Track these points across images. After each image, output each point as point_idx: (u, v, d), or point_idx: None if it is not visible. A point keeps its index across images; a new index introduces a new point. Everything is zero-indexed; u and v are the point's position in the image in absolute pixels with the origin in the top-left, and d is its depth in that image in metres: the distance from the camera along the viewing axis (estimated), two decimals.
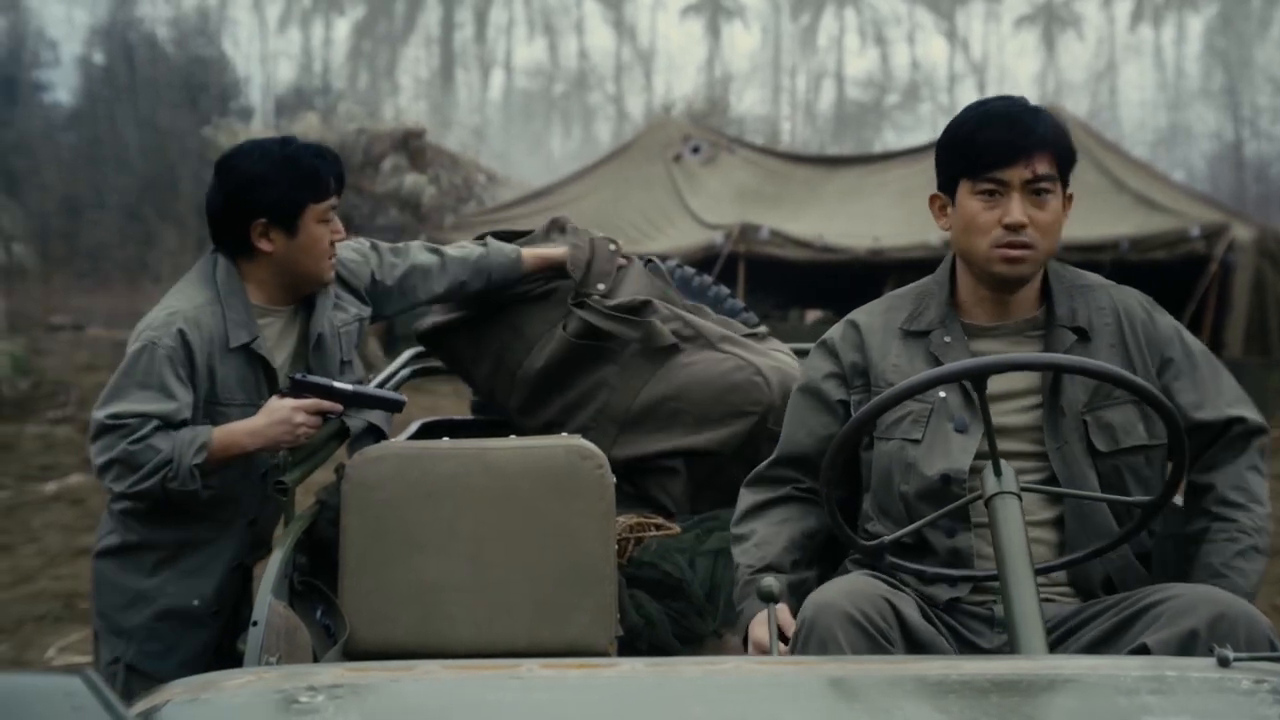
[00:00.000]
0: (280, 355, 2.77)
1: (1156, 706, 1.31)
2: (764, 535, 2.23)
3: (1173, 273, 12.48)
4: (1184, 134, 35.28)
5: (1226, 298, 12.56)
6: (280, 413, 2.59)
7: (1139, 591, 1.99)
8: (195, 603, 2.67)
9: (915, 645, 1.92)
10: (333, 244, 2.75)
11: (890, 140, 37.42)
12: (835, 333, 2.32)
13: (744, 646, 2.16)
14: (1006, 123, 2.13)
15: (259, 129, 21.13)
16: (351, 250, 2.95)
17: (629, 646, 2.55)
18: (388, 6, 41.01)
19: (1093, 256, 12.48)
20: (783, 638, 1.97)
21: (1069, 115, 16.02)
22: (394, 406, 2.79)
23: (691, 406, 2.86)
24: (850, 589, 1.93)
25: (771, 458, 2.33)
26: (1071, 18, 40.71)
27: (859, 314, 2.32)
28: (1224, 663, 1.36)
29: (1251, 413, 2.20)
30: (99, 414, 2.58)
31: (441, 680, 1.35)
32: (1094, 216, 12.54)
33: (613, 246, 3.14)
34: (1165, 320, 2.24)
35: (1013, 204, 2.11)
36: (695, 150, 16.27)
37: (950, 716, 1.28)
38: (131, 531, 2.70)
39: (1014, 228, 2.11)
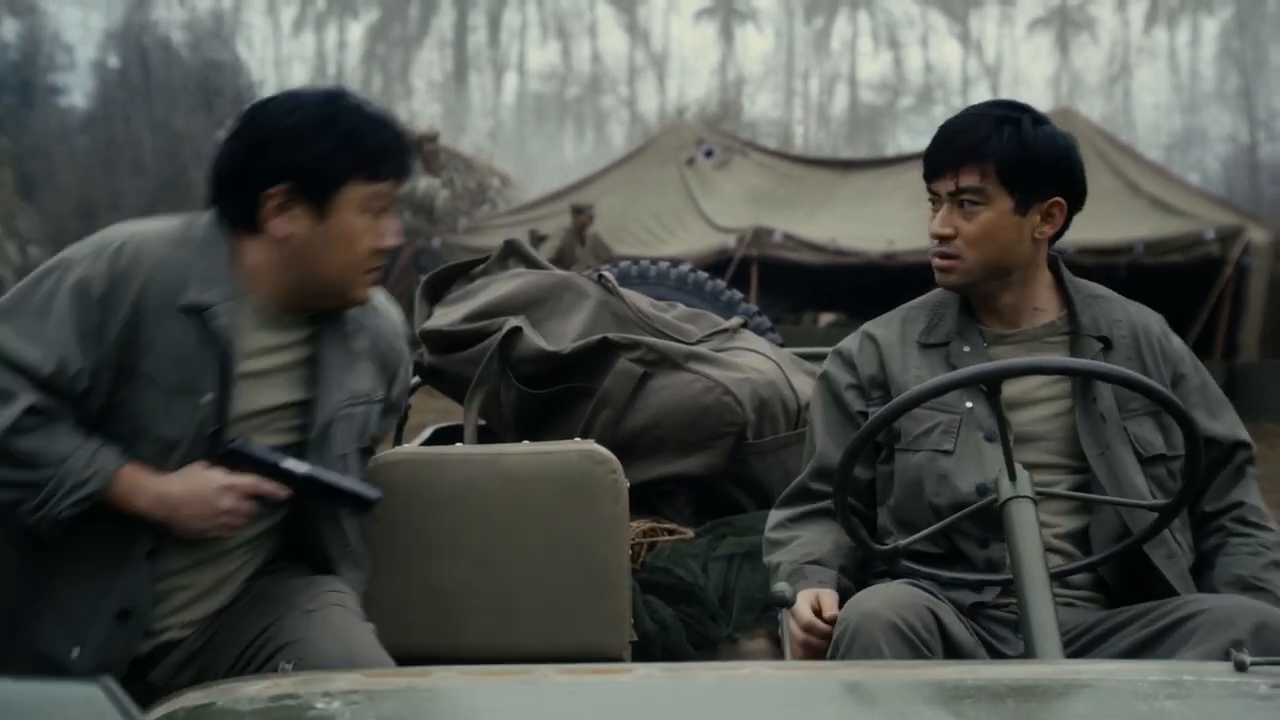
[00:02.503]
0: (257, 365, 2.01)
1: (1174, 711, 1.31)
2: (808, 539, 2.22)
3: (1188, 276, 12.45)
4: (1199, 137, 35.14)
5: (1242, 300, 12.53)
6: (204, 490, 1.93)
7: (1168, 603, 1.97)
8: (72, 654, 1.95)
9: (955, 653, 1.91)
10: (379, 253, 2.03)
11: (904, 143, 37.33)
12: (852, 344, 2.32)
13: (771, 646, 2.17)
14: (946, 134, 2.18)
15: None
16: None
17: (643, 652, 2.55)
18: (401, 10, 41.09)
19: (1108, 260, 12.46)
20: (826, 622, 1.98)
21: (1083, 118, 16.02)
22: (361, 506, 2.08)
23: (670, 434, 2.81)
24: (892, 597, 1.92)
25: (805, 472, 2.32)
26: (1085, 20, 40.59)
27: (875, 327, 2.32)
28: (1241, 667, 1.36)
29: (1250, 440, 2.25)
30: None
31: (457, 687, 1.35)
32: (1109, 220, 12.52)
33: (591, 272, 3.12)
34: (1178, 340, 2.29)
35: (939, 215, 2.18)
36: (708, 153, 16.28)
37: None
38: None
39: (936, 237, 2.18)
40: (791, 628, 2.06)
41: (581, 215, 13.04)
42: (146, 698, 1.98)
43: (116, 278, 1.92)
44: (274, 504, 2.01)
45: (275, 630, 1.99)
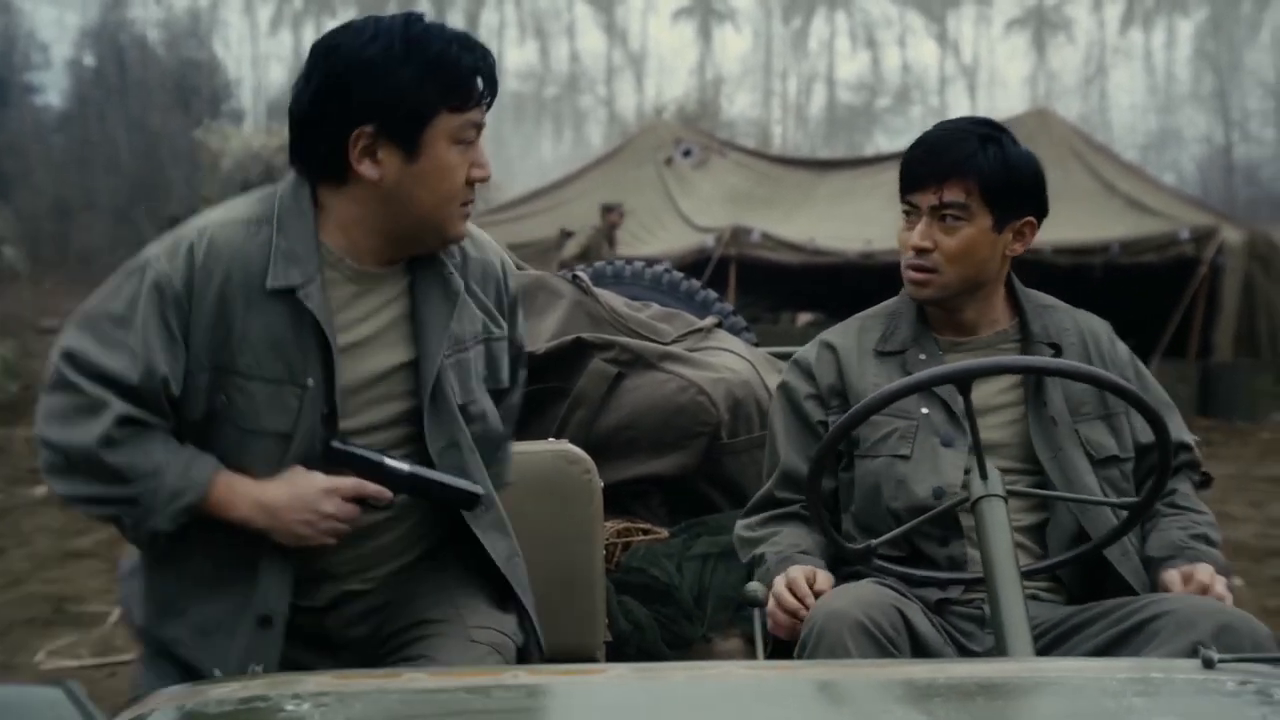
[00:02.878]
0: (357, 334, 1.90)
1: (1143, 708, 1.32)
2: (788, 535, 2.24)
3: (1163, 275, 12.51)
4: (1174, 137, 35.36)
5: (1216, 300, 12.58)
6: (306, 494, 1.83)
7: (1133, 603, 2.00)
8: (215, 673, 1.80)
9: (923, 653, 1.93)
10: (471, 184, 1.89)
11: (881, 143, 37.44)
12: (811, 353, 2.35)
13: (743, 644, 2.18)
14: (925, 148, 2.21)
15: (250, 131, 21.11)
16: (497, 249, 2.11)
17: (618, 652, 2.55)
18: (378, 9, 40.99)
19: (1084, 259, 12.52)
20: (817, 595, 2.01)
21: (1059, 119, 16.09)
22: (467, 502, 1.97)
23: (644, 434, 2.81)
24: (860, 597, 1.93)
25: (770, 482, 2.35)
26: (1062, 21, 40.77)
27: (833, 335, 2.37)
28: (1209, 664, 1.37)
29: (1191, 442, 2.31)
30: (55, 351, 1.84)
31: (428, 687, 1.35)
32: (1085, 219, 12.58)
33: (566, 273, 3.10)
34: (1124, 347, 2.34)
35: (918, 228, 2.20)
36: (687, 153, 16.28)
37: None
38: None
39: (916, 250, 2.20)
40: (779, 590, 2.07)
41: (612, 214, 12.89)
42: (321, 644, 1.98)
43: (196, 274, 1.82)
44: (379, 505, 1.90)
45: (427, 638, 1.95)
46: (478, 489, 1.96)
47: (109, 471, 1.80)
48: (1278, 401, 12.77)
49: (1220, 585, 2.01)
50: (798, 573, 2.06)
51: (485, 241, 2.09)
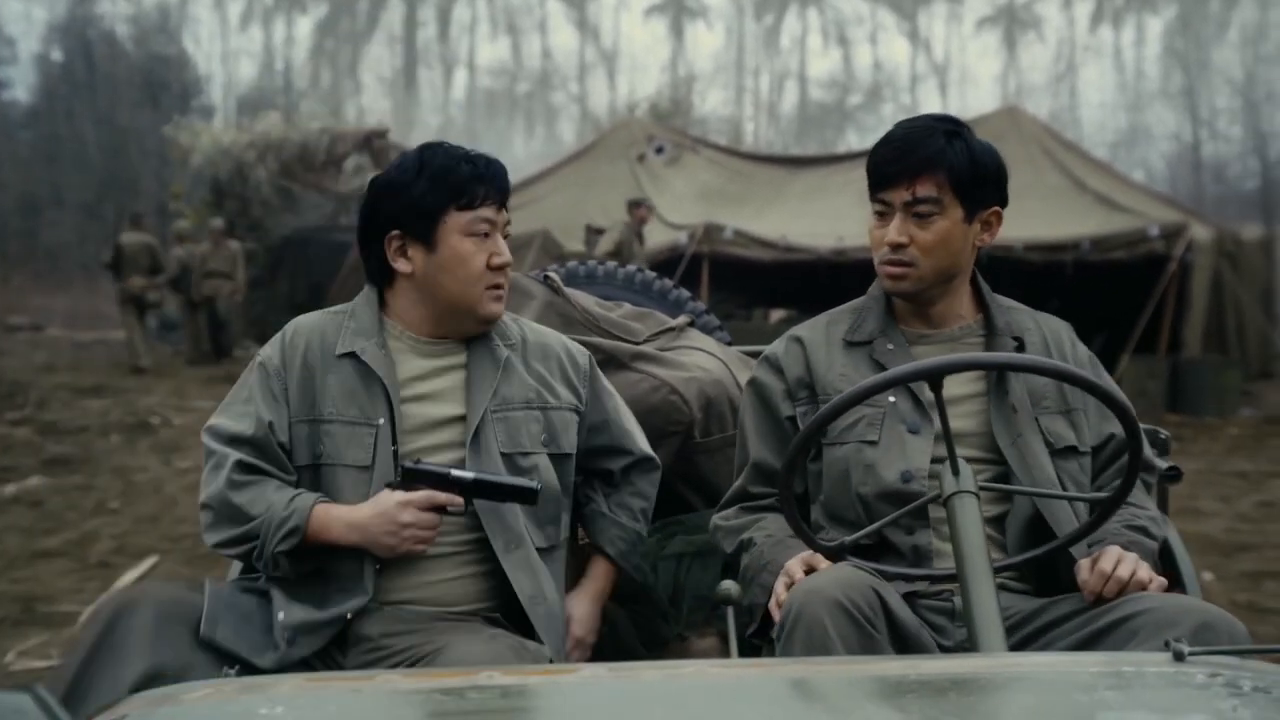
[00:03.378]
0: (418, 389, 2.29)
1: (1114, 701, 1.32)
2: (774, 521, 2.27)
3: (1133, 272, 12.60)
4: (1143, 135, 35.61)
5: (1185, 297, 12.68)
6: (386, 508, 2.15)
7: (1114, 600, 2.00)
8: (287, 640, 2.15)
9: (899, 635, 1.94)
10: (495, 269, 2.28)
11: (853, 141, 37.58)
12: (779, 348, 2.40)
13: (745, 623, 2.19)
14: (895, 145, 2.23)
15: (221, 128, 20.99)
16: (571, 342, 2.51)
17: (594, 652, 2.55)
18: (350, 5, 40.80)
19: (1055, 256, 12.60)
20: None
21: (1030, 116, 16.19)
22: (527, 497, 2.21)
23: None
24: (839, 578, 1.94)
25: (742, 477, 2.38)
26: (1032, 19, 41.01)
27: (801, 329, 2.41)
28: (1179, 657, 1.37)
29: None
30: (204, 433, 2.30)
31: (401, 689, 1.34)
32: (1056, 217, 12.67)
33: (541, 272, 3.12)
34: (1084, 349, 2.38)
35: (893, 224, 2.23)
36: (659, 150, 16.30)
37: (909, 716, 1.28)
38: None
39: (892, 246, 2.23)
40: (790, 566, 2.09)
41: (640, 209, 12.78)
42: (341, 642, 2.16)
43: (286, 348, 2.30)
44: (455, 512, 2.19)
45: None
46: (534, 484, 2.22)
47: (235, 511, 2.19)
48: (1246, 397, 12.89)
49: (1144, 571, 2.01)
50: (797, 564, 2.09)
51: (547, 331, 2.51)
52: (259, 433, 2.22)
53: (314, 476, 2.25)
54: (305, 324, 2.35)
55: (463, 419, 2.28)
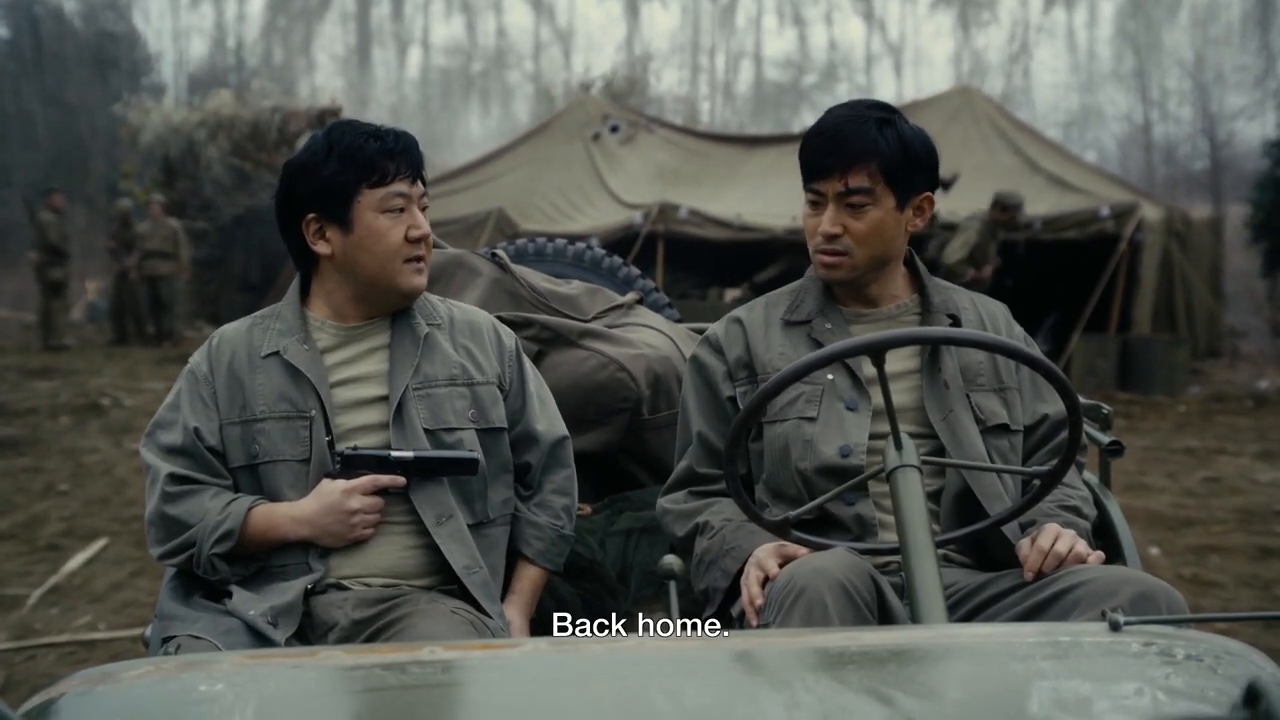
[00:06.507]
0: (345, 374, 2.30)
1: (1050, 671, 1.35)
2: (728, 505, 2.29)
3: (1084, 252, 12.71)
4: (1095, 116, 35.87)
5: (1135, 276, 12.81)
6: (332, 499, 2.19)
7: (1055, 572, 2.04)
8: (269, 621, 2.11)
9: (889, 621, 1.96)
10: (413, 241, 2.28)
11: (808, 120, 37.52)
12: (719, 329, 2.43)
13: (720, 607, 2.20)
14: (826, 136, 2.24)
15: (171, 106, 20.73)
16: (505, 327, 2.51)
17: (541, 628, 2.56)
18: None
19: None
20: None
21: (983, 96, 16.26)
22: (467, 468, 2.27)
23: (565, 411, 2.78)
24: (841, 561, 1.96)
25: (688, 458, 2.40)
26: (987, 0, 41.15)
27: (741, 310, 2.44)
28: (1115, 627, 1.40)
29: None
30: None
31: (344, 665, 1.34)
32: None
33: (488, 250, 3.10)
34: (1020, 329, 2.43)
35: (826, 214, 2.26)
36: (614, 129, 16.24)
37: (850, 687, 1.30)
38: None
39: (826, 236, 2.27)
40: (761, 556, 2.10)
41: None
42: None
43: (213, 354, 2.32)
44: (397, 491, 2.23)
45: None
46: (474, 455, 2.28)
47: (172, 523, 2.22)
48: (1194, 375, 13.06)
49: (1082, 546, 2.06)
50: (769, 557, 2.10)
51: (478, 311, 2.51)
52: (187, 441, 2.26)
53: (252, 477, 2.27)
54: (230, 331, 2.37)
55: (386, 399, 2.29)
